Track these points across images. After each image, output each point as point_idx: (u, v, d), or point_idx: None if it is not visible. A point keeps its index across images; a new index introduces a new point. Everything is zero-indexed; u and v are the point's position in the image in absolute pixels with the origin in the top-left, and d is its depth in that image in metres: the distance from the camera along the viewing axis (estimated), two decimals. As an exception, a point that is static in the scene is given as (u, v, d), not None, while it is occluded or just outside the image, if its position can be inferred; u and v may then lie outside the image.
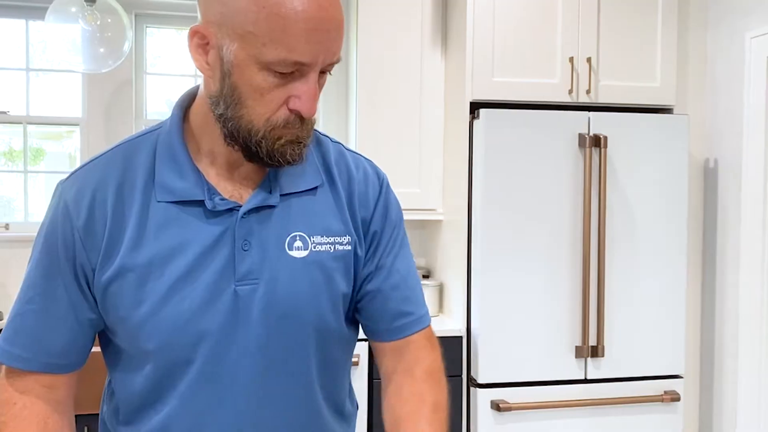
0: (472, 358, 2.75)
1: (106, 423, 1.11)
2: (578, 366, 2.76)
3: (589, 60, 2.83)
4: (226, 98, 0.94)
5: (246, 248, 0.99)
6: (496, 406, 2.66)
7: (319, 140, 1.11)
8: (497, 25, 2.79)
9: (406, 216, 3.01)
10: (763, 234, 2.77)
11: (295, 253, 1.02)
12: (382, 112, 3.01)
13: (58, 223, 1.00)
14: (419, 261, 3.38)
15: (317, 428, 1.07)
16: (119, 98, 3.19)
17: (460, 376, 2.78)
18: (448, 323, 2.91)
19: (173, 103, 1.07)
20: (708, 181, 3.13)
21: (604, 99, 2.86)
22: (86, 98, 3.18)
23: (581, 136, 2.73)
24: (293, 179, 1.04)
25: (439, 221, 3.14)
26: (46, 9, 2.82)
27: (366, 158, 1.15)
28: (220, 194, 1.00)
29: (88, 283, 1.00)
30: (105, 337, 1.06)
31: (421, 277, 3.16)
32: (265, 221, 1.01)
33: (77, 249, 0.99)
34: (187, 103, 1.05)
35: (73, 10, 2.79)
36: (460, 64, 2.84)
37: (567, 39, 2.83)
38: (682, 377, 2.86)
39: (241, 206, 1.00)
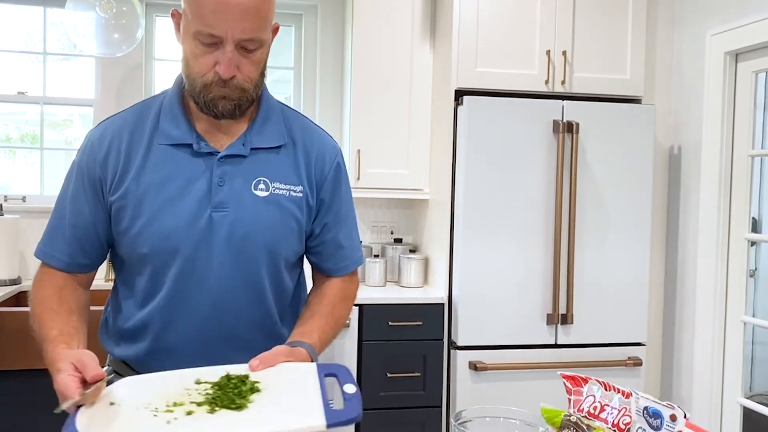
0: (453, 323, 3.01)
1: (107, 322, 1.44)
2: (549, 332, 3.03)
3: (564, 53, 3.09)
4: (183, 61, 1.31)
5: (221, 184, 1.31)
6: (474, 367, 2.93)
7: (288, 112, 1.45)
8: (481, 19, 3.04)
9: (395, 195, 3.30)
10: (718, 215, 3.04)
11: (258, 193, 1.34)
12: (374, 98, 3.26)
13: (85, 157, 1.35)
14: (407, 237, 3.64)
15: (268, 327, 1.40)
16: (130, 81, 3.42)
17: (442, 339, 3.04)
18: (431, 292, 3.17)
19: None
20: (672, 166, 3.40)
21: (577, 89, 3.12)
22: (99, 81, 3.42)
23: (555, 123, 2.99)
24: (262, 138, 1.37)
25: (425, 200, 3.39)
26: (65, -3, 3.05)
27: (327, 133, 1.49)
28: (205, 141, 1.33)
29: (105, 202, 1.33)
30: (113, 251, 1.40)
31: (408, 252, 3.42)
32: (237, 165, 1.33)
33: (98, 174, 1.33)
34: (181, 79, 1.38)
35: (91, -1, 3.02)
36: (447, 55, 3.10)
37: (544, 33, 3.09)
38: (644, 345, 3.13)
39: (219, 152, 1.33)
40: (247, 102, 1.31)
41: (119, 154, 1.32)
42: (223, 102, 1.28)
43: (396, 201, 3.61)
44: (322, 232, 1.45)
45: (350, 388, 1.08)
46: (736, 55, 3.01)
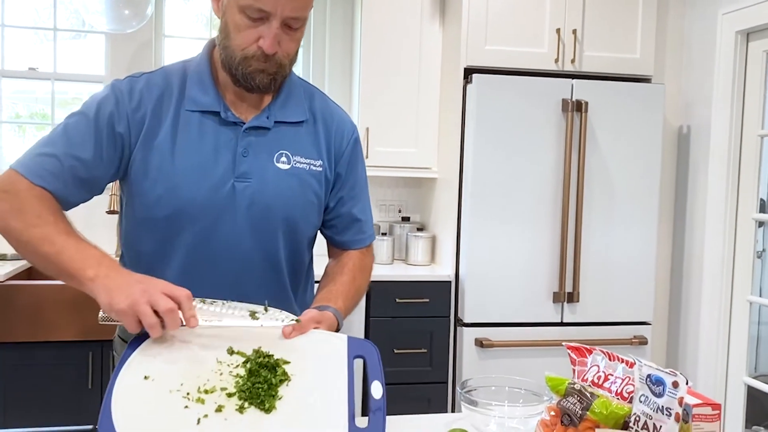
0: (460, 301, 3.04)
1: None
2: (555, 310, 3.05)
3: (574, 32, 3.08)
4: (222, 32, 1.31)
5: (245, 155, 1.34)
6: (480, 343, 2.96)
7: (309, 90, 1.47)
8: (491, -3, 3.03)
9: (403, 174, 3.31)
10: (726, 195, 3.04)
11: (280, 165, 1.37)
12: (383, 77, 3.26)
13: (110, 101, 1.31)
14: (415, 216, 3.65)
15: (281, 298, 1.41)
16: (139, 58, 3.43)
17: (449, 316, 3.07)
18: (438, 270, 3.19)
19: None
20: (681, 145, 3.39)
21: (587, 68, 3.11)
22: (109, 59, 3.43)
23: (564, 102, 2.99)
24: (285, 112, 1.39)
25: (433, 179, 3.40)
26: (75, -27, 3.05)
27: (344, 111, 1.51)
28: (232, 111, 1.35)
29: (116, 152, 1.30)
30: (123, 210, 1.40)
31: (415, 230, 3.44)
32: (261, 138, 1.36)
33: (123, 123, 1.30)
34: (212, 46, 1.40)
35: (101, -26, 3.02)
36: (456, 33, 3.09)
37: (554, 12, 3.07)
38: (650, 324, 3.14)
39: (245, 123, 1.35)
40: (282, 77, 1.34)
41: (146, 112, 1.31)
42: (261, 76, 1.29)
43: (404, 179, 3.62)
44: (338, 206, 1.47)
45: (377, 391, 1.09)
46: (748, 35, 2.99)
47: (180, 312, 1.11)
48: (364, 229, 1.53)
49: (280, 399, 1.07)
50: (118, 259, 1.42)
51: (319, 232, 1.51)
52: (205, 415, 1.02)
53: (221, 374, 1.10)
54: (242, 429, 1.02)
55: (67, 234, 1.21)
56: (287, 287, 1.44)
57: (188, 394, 1.05)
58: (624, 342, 3.07)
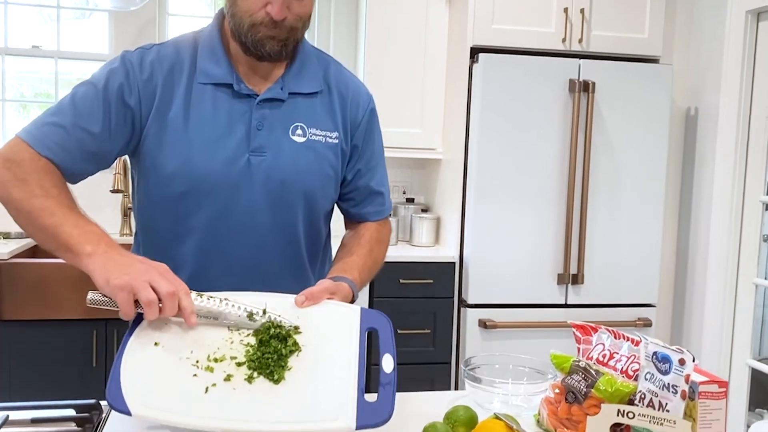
0: (464, 282, 3.03)
1: None
2: (559, 292, 3.04)
3: (582, 11, 3.04)
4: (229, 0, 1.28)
5: (260, 128, 1.31)
6: (484, 324, 2.96)
7: (324, 59, 1.43)
8: (498, -25, 2.99)
9: (408, 155, 3.29)
10: (733, 177, 3.02)
11: (296, 138, 1.34)
12: (388, 56, 3.23)
13: (120, 73, 1.27)
14: (419, 197, 3.64)
15: (298, 272, 1.40)
16: (143, 37, 3.41)
17: (452, 297, 3.07)
18: (442, 251, 3.18)
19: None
20: (688, 127, 3.36)
21: (594, 48, 3.07)
22: (113, 37, 3.41)
23: (571, 82, 2.96)
24: (299, 83, 1.35)
25: (438, 160, 3.38)
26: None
27: (359, 80, 1.47)
28: (245, 83, 1.31)
29: (126, 125, 1.26)
30: (135, 189, 1.38)
31: (420, 211, 3.43)
32: (275, 110, 1.32)
33: (133, 96, 1.26)
34: (221, 16, 1.36)
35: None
36: (463, 12, 3.05)
37: (562, -10, 3.03)
38: (654, 306, 3.14)
39: (258, 95, 1.31)
40: (293, 42, 1.30)
41: (158, 85, 1.28)
42: (271, 43, 1.26)
43: (408, 160, 3.60)
44: (355, 179, 1.44)
45: (388, 365, 1.08)
46: (758, 14, 2.95)
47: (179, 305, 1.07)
48: (382, 201, 1.51)
49: (289, 370, 1.06)
50: (132, 239, 1.41)
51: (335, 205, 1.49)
52: (214, 384, 1.02)
53: (232, 343, 1.10)
54: (250, 399, 1.01)
55: (69, 208, 1.18)
56: (305, 262, 1.42)
57: (197, 362, 1.05)
58: (628, 324, 3.07)
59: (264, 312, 1.13)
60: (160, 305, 1.05)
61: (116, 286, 1.04)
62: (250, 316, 1.12)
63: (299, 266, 1.41)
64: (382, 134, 1.50)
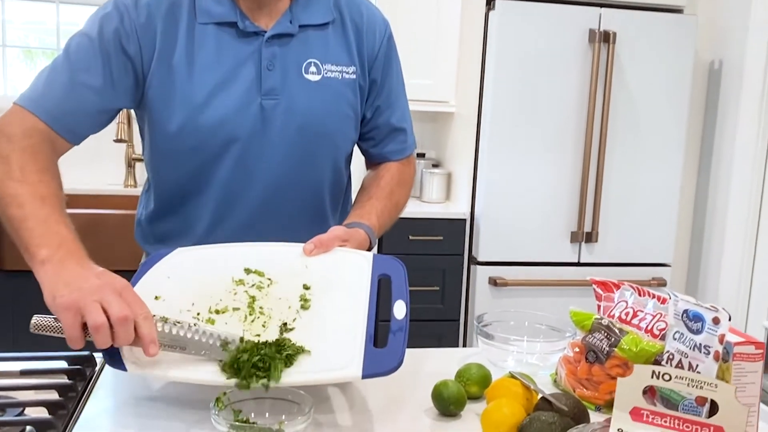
0: (474, 239, 2.96)
1: (142, 223, 1.35)
2: (572, 250, 2.96)
3: (604, -44, 2.90)
4: None
5: (270, 68, 1.20)
6: (494, 282, 2.89)
7: None
8: None
9: (419, 107, 3.18)
10: (757, 133, 2.91)
11: (310, 77, 1.23)
12: (399, 2, 3.08)
13: (114, 18, 1.15)
14: (430, 152, 3.54)
15: (319, 221, 1.30)
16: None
17: (462, 254, 3.00)
18: (452, 207, 3.10)
19: None
20: (711, 81, 3.23)
21: (616, -4, 2.94)
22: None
23: (591, 32, 2.83)
24: (308, 13, 1.23)
25: (450, 113, 3.27)
26: None
27: (373, 4, 1.34)
28: (250, 20, 1.19)
29: (128, 75, 1.16)
30: (144, 139, 1.28)
31: (430, 166, 3.34)
32: (286, 46, 1.21)
33: (132, 43, 1.15)
34: None
35: None
36: (479, -44, 2.91)
37: (584, -66, 2.88)
38: (669, 266, 3.06)
39: (266, 31, 1.20)
40: None
41: (157, 28, 1.16)
42: None
43: (419, 113, 3.48)
44: (374, 116, 1.34)
45: (400, 311, 1.02)
46: (791, -38, 2.80)
47: (136, 332, 0.88)
48: (404, 139, 1.40)
49: (296, 320, 1.01)
50: (136, 190, 1.31)
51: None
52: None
53: (235, 294, 1.04)
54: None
55: (42, 200, 1.02)
56: (326, 209, 1.33)
57: (198, 314, 1.00)
58: (642, 283, 2.94)
59: (242, 340, 0.96)
60: (113, 331, 0.87)
61: (60, 305, 0.88)
62: (224, 345, 0.95)
63: (320, 214, 1.32)
64: (400, 63, 1.37)
